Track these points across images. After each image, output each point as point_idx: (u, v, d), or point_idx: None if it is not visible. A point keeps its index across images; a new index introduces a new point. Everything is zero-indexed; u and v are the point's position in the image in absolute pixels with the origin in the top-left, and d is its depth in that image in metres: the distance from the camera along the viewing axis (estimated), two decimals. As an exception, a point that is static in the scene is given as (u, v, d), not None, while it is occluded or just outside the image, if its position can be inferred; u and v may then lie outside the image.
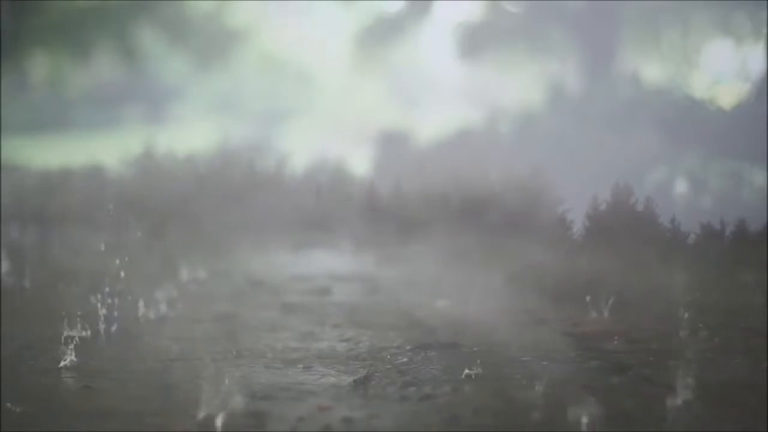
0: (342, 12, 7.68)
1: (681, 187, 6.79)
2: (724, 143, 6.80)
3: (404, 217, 6.69)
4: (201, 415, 3.32)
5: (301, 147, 7.34)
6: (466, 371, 3.82)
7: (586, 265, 5.86)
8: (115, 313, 4.63)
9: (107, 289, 4.63)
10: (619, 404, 3.51)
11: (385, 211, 6.78)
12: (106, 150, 7.26)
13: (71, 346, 4.01)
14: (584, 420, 3.22)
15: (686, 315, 4.74)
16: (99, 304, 4.58)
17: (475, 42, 7.61)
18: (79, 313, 4.33)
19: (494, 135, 7.24)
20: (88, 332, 4.37)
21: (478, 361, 3.85)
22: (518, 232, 6.43)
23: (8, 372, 3.84)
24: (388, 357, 4.21)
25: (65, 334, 4.13)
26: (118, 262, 4.74)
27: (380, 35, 7.60)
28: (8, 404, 3.38)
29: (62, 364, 3.96)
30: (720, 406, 3.49)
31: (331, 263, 6.58)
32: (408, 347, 4.34)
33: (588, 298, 5.11)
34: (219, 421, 3.26)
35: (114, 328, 4.61)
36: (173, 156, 7.26)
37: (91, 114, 7.68)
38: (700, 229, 6.04)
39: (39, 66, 7.59)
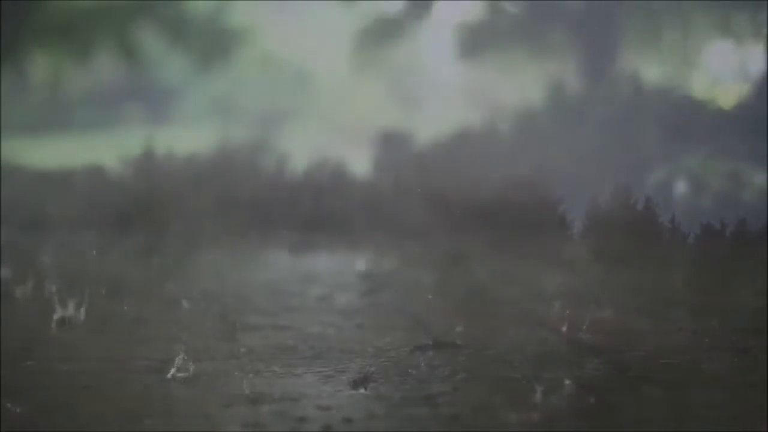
0: (342, 12, 7.67)
1: (681, 187, 6.79)
2: (724, 143, 6.80)
3: (404, 217, 6.68)
4: (201, 416, 3.32)
5: (301, 147, 7.34)
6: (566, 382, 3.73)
7: (585, 265, 5.86)
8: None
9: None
10: (618, 403, 3.51)
11: (385, 211, 6.78)
12: (106, 150, 7.26)
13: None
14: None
15: (686, 315, 4.75)
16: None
17: (475, 42, 7.60)
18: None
19: (494, 135, 7.23)
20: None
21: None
22: (518, 232, 6.43)
23: (8, 372, 3.84)
24: (388, 357, 4.21)
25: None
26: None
27: (380, 35, 7.60)
28: (8, 404, 3.38)
29: None
30: (720, 406, 3.50)
31: (331, 263, 6.57)
32: (408, 347, 4.34)
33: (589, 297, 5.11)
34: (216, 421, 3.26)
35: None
36: (173, 156, 7.25)
37: (91, 114, 7.68)
38: (700, 229, 6.04)
39: (39, 66, 7.58)
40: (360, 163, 7.28)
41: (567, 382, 3.71)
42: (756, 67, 7.14)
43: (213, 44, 7.58)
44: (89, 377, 3.83)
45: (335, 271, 6.36)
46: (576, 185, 6.39)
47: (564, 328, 4.70)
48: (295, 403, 3.54)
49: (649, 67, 7.33)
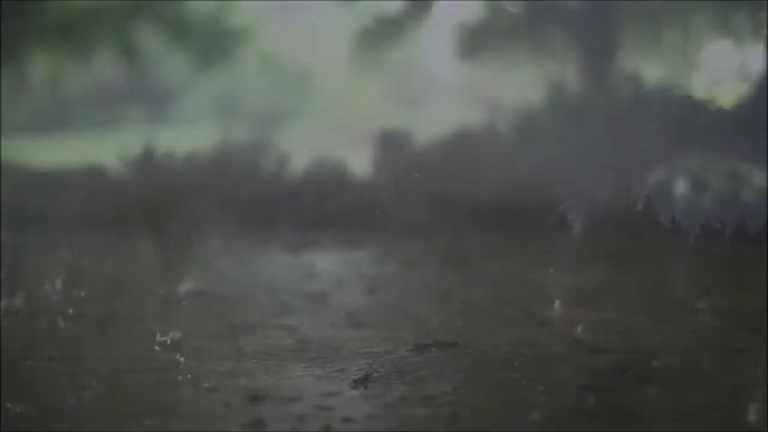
0: (342, 12, 7.67)
1: (681, 187, 6.79)
2: (724, 143, 6.80)
3: (404, 217, 6.68)
4: (201, 416, 3.32)
5: (301, 147, 7.34)
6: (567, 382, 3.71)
7: (585, 265, 5.86)
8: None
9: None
10: (618, 403, 3.51)
11: (385, 211, 6.78)
12: (106, 150, 7.26)
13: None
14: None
15: (686, 315, 4.75)
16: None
17: (475, 42, 7.60)
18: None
19: (494, 135, 7.23)
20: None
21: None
22: (518, 232, 6.43)
23: (8, 372, 3.84)
24: (388, 357, 4.20)
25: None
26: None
27: (380, 35, 7.60)
28: (8, 404, 3.38)
29: None
30: (720, 406, 3.50)
31: (331, 263, 6.57)
32: (408, 347, 4.34)
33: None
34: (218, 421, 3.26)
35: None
36: (173, 156, 7.26)
37: (91, 114, 7.68)
38: (700, 229, 6.03)
39: (39, 66, 7.58)
40: (360, 163, 7.28)
41: (567, 382, 3.71)
42: (756, 67, 7.14)
43: (213, 44, 7.58)
44: (89, 377, 3.82)
45: (336, 270, 6.36)
46: (576, 185, 6.39)
47: (564, 328, 4.70)
48: (295, 403, 3.54)
49: (649, 67, 7.33)
